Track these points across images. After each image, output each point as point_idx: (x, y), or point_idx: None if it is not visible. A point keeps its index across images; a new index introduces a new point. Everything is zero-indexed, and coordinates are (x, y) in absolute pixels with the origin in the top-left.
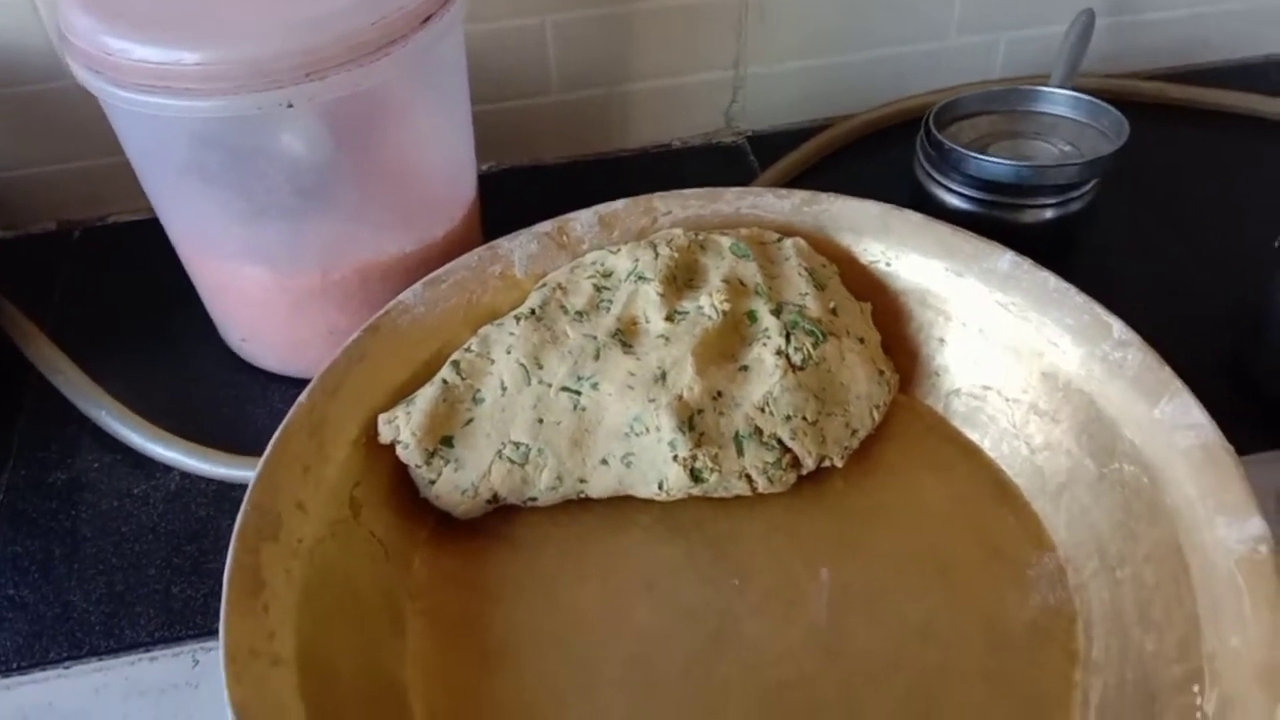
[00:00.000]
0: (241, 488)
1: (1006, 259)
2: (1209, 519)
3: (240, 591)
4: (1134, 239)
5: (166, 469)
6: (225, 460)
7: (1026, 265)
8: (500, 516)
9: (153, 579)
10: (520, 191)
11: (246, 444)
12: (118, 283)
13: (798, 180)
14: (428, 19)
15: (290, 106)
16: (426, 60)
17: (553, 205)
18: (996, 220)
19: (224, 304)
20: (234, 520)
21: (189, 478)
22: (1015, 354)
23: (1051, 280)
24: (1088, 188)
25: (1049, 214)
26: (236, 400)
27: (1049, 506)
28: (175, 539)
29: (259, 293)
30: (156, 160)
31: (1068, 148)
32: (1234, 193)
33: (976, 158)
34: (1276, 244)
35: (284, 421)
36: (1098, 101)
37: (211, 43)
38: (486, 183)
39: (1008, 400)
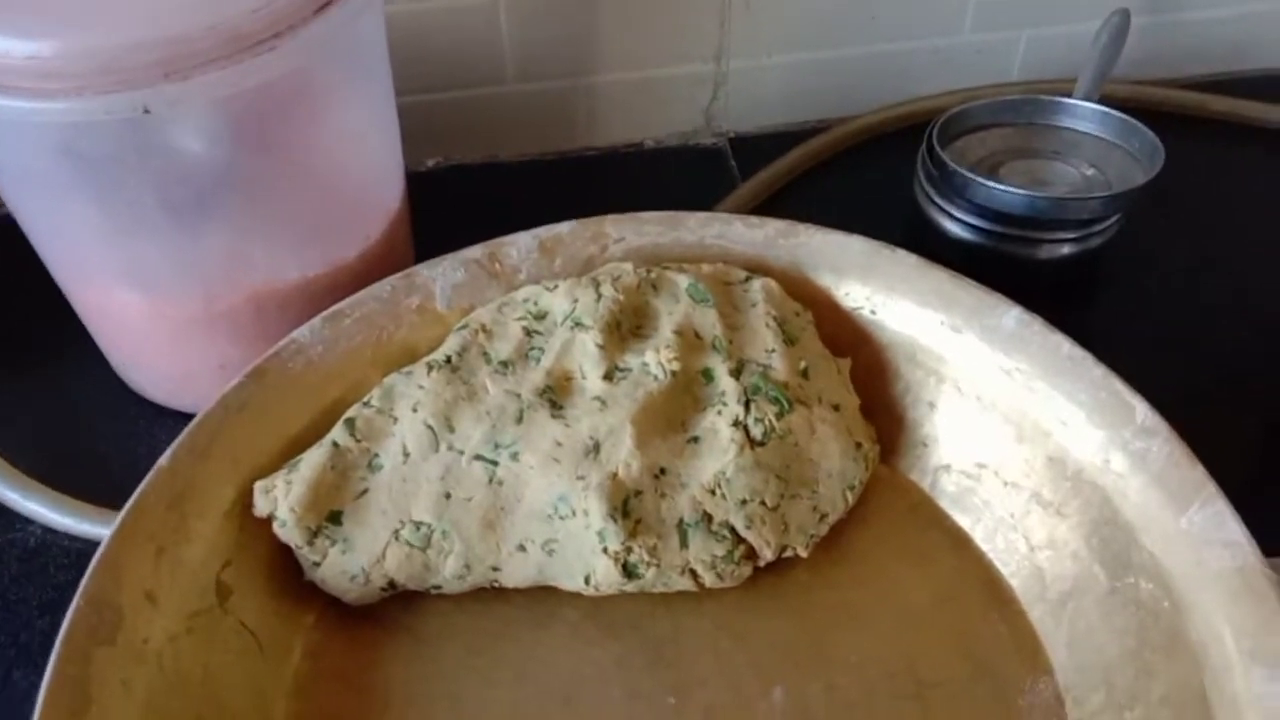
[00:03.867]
0: None
1: (1012, 315)
2: (1243, 666)
3: (57, 712)
4: (1165, 283)
5: (27, 520)
6: (91, 515)
7: (1037, 325)
8: (401, 602)
9: None
10: (471, 192)
11: (123, 490)
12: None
13: (784, 191)
14: (326, 5)
15: (147, 112)
16: (329, 51)
17: (508, 209)
18: (1005, 254)
19: (101, 328)
20: None
21: (52, 532)
22: (1017, 430)
23: (1065, 345)
24: (1111, 221)
25: (1066, 249)
26: (118, 436)
27: (1049, 619)
28: (27, 610)
29: (135, 320)
30: (1, 165)
31: (1091, 171)
32: None
33: (985, 184)
34: None
35: (136, 492)
36: (1129, 120)
37: (49, 31)
38: (431, 181)
39: (1006, 484)
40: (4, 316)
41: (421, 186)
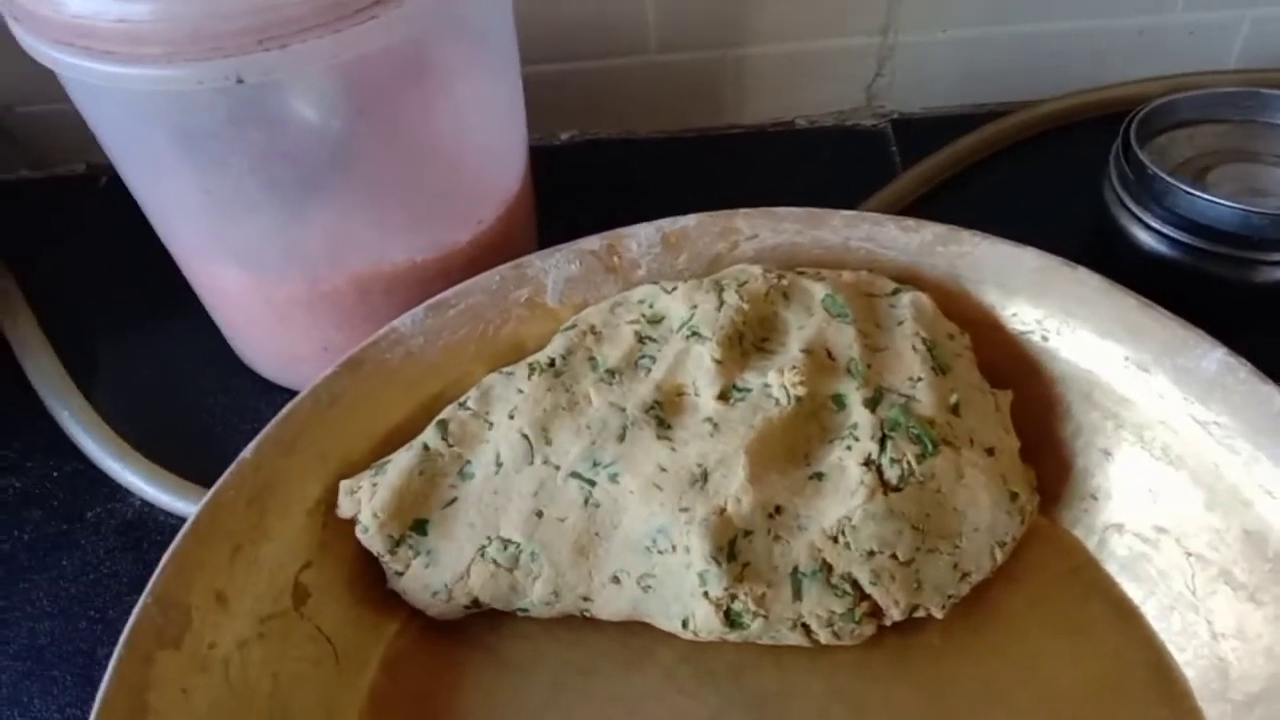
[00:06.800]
0: None
1: (1215, 357)
2: None
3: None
4: None
5: (127, 491)
6: (190, 493)
7: (1244, 372)
8: (488, 620)
9: (80, 635)
10: (605, 170)
11: (223, 466)
12: (134, 244)
13: (949, 184)
14: None
15: (240, 81)
16: (442, 22)
17: (642, 189)
18: (1210, 276)
19: (211, 300)
20: None
21: (150, 505)
22: (1209, 494)
23: (1278, 399)
24: None
25: None
26: (225, 409)
27: None
28: (119, 584)
29: (241, 297)
30: (105, 130)
31: None
32: None
33: (1190, 192)
34: None
35: (214, 487)
36: None
37: None
38: (561, 155)
39: (1189, 555)
40: (121, 277)
41: (552, 161)
